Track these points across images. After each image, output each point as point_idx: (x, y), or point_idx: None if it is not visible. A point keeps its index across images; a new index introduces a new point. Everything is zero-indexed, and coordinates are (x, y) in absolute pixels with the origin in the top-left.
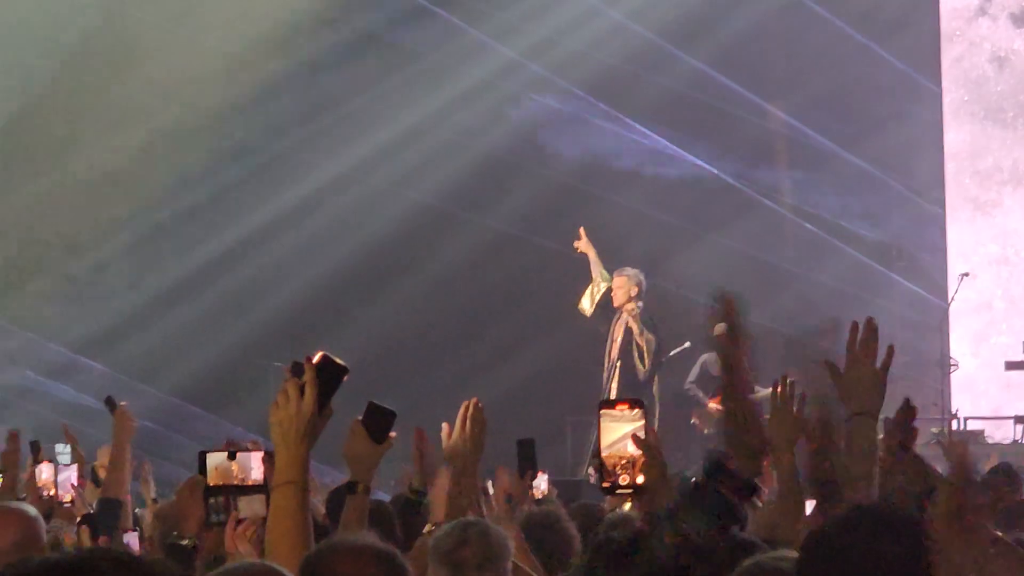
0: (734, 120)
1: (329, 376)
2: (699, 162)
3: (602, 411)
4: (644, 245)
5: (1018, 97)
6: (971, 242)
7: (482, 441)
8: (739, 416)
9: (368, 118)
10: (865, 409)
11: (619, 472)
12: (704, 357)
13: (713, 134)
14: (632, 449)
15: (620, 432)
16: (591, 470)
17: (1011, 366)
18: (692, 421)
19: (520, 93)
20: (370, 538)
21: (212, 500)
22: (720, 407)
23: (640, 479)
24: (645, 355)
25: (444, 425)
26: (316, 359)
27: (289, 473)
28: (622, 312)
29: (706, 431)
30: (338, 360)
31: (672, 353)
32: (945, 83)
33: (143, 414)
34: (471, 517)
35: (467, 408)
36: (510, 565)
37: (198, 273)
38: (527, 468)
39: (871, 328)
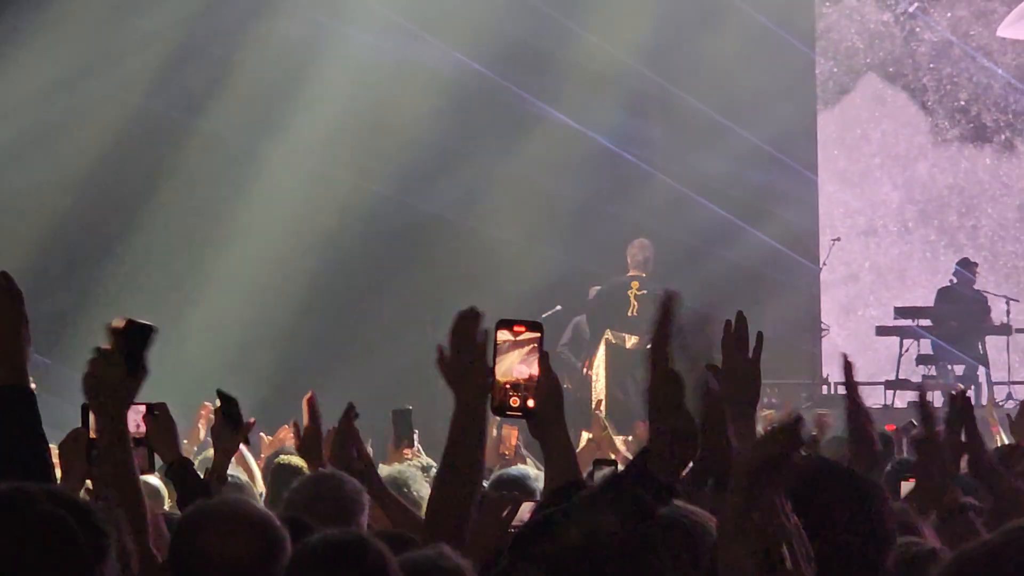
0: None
1: (137, 338)
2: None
3: (499, 331)
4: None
5: (887, 69)
6: (839, 213)
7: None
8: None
9: None
10: (743, 400)
11: (511, 394)
12: (576, 320)
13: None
14: (526, 373)
15: (515, 354)
16: None
17: (882, 331)
18: (565, 386)
19: None
20: (246, 502)
21: (94, 452)
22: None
23: (531, 403)
24: None
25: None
26: (120, 324)
27: (106, 434)
28: None
29: (577, 395)
30: (144, 321)
31: (544, 316)
32: (815, 55)
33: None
34: (328, 470)
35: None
36: (365, 519)
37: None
38: (403, 437)
39: (742, 323)
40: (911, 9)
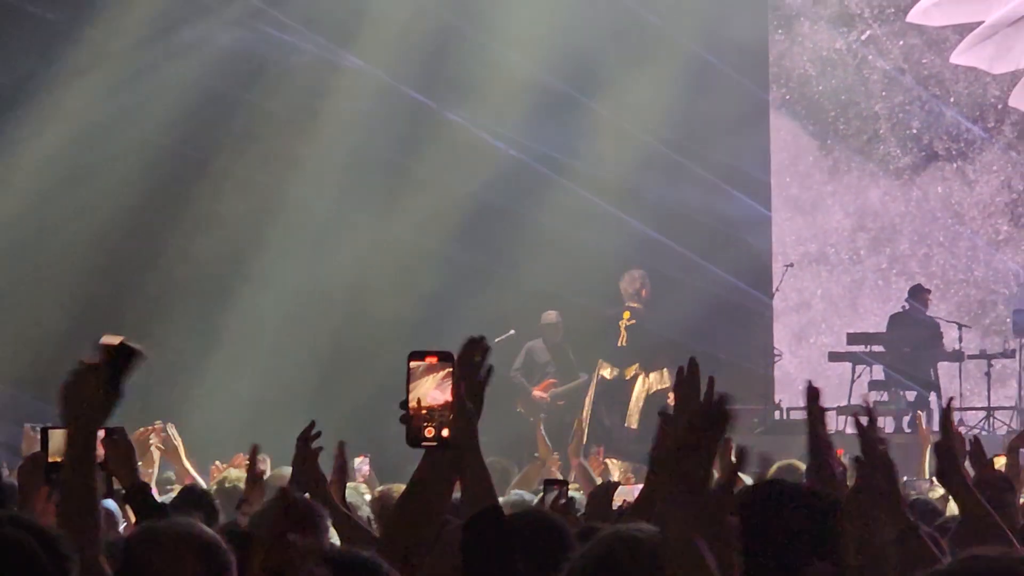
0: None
1: (123, 360)
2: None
3: (411, 362)
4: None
5: (840, 97)
6: (791, 240)
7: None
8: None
9: None
10: (693, 444)
11: (425, 425)
12: (529, 344)
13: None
14: (440, 399)
15: (427, 385)
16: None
17: (834, 357)
18: (517, 409)
19: None
20: (194, 525)
21: (54, 476)
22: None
23: (445, 432)
24: None
25: None
26: (112, 342)
27: (75, 450)
28: None
29: (531, 419)
30: (134, 345)
31: (497, 340)
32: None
33: None
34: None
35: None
36: (327, 539)
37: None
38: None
39: (694, 368)
40: (863, 37)
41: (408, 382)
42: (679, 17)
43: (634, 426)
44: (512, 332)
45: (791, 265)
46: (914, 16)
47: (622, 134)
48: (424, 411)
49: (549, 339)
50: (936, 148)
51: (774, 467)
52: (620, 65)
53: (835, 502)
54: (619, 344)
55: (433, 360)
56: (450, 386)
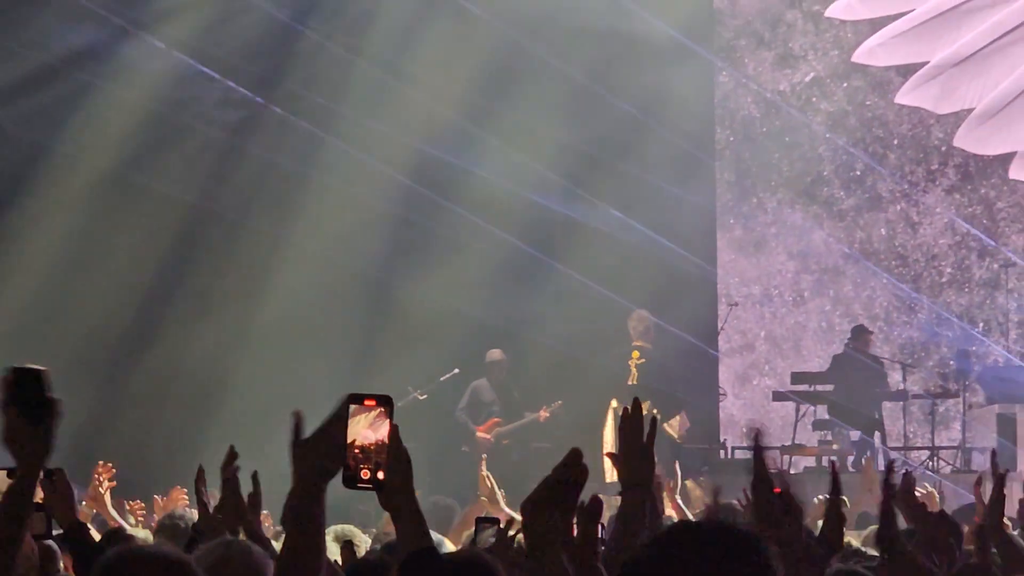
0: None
1: (29, 385)
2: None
3: (350, 406)
4: None
5: (783, 139)
6: (735, 282)
7: None
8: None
9: None
10: (637, 481)
11: (361, 467)
12: (474, 384)
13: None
14: (372, 439)
15: (362, 421)
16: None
17: (778, 396)
18: (463, 448)
19: None
20: (165, 547)
21: None
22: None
23: (380, 475)
24: None
25: None
26: (7, 375)
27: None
28: None
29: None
30: (31, 366)
31: (442, 379)
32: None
33: None
34: (230, 537)
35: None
36: None
37: None
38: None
39: (637, 409)
40: (807, 79)
41: (345, 424)
42: (623, 62)
43: None
44: (457, 371)
45: (736, 304)
46: (860, 56)
47: (574, 193)
48: (359, 453)
49: (494, 378)
50: (880, 190)
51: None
52: (543, 108)
53: (759, 541)
54: (630, 382)
55: (371, 403)
56: (382, 425)
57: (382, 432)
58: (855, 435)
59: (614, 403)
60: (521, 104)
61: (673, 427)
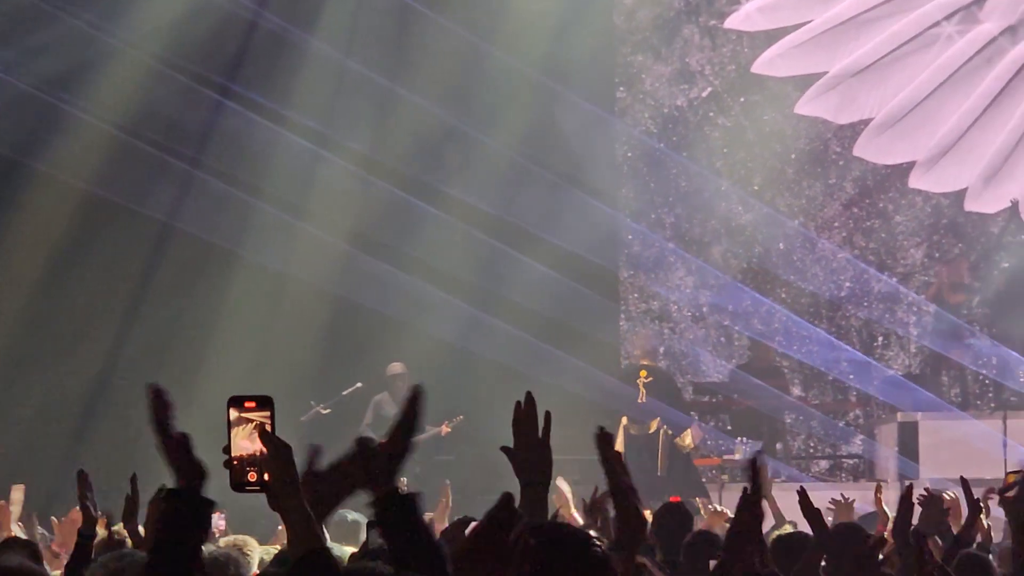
0: None
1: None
2: None
3: (230, 409)
4: None
5: (682, 153)
6: (634, 298)
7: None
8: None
9: None
10: (536, 480)
11: (248, 469)
12: (376, 398)
13: None
14: (251, 448)
15: (247, 430)
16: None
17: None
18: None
19: None
20: (16, 559)
21: None
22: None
23: (267, 476)
24: None
25: None
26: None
27: None
28: None
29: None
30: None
31: (344, 393)
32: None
33: None
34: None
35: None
36: None
37: None
38: None
39: (531, 403)
40: (704, 94)
41: (229, 428)
42: (520, 77)
43: (660, 473)
44: (359, 384)
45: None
46: (759, 67)
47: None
48: (242, 457)
49: (396, 391)
50: (778, 204)
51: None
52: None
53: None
54: (638, 400)
55: (251, 405)
56: (258, 435)
57: (260, 443)
58: (757, 445)
59: (624, 420)
60: (454, 176)
61: (685, 440)
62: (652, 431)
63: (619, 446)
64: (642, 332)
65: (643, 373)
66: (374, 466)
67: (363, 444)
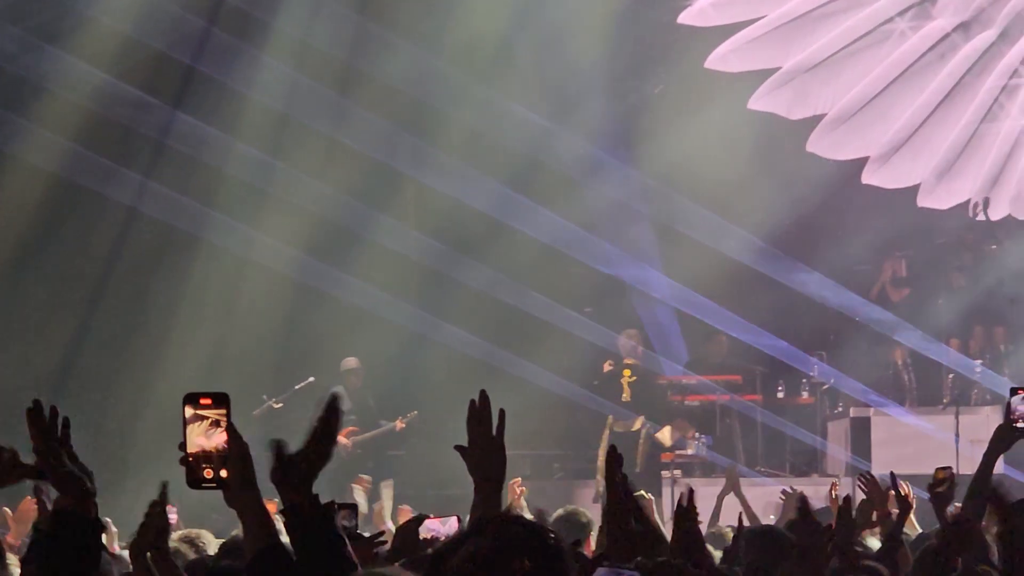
0: None
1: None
2: None
3: (185, 406)
4: None
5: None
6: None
7: None
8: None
9: None
10: (490, 477)
11: (204, 467)
12: (335, 389)
13: None
14: (210, 445)
15: (202, 427)
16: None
17: None
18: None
19: None
20: None
21: None
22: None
23: (223, 473)
24: None
25: None
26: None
27: None
28: None
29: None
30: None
31: (297, 387)
32: None
33: None
34: None
35: None
36: None
37: None
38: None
39: (484, 401)
40: (656, 91)
41: (184, 425)
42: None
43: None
44: (312, 379)
45: (589, 309)
46: (712, 62)
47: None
48: (198, 454)
49: (350, 385)
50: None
51: (556, 515)
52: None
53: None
54: (624, 399)
55: (207, 402)
56: (215, 433)
57: (215, 440)
58: (709, 440)
59: (610, 420)
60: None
61: (664, 437)
62: (635, 429)
63: (604, 443)
64: (626, 332)
65: (627, 372)
66: (290, 472)
67: (278, 449)
